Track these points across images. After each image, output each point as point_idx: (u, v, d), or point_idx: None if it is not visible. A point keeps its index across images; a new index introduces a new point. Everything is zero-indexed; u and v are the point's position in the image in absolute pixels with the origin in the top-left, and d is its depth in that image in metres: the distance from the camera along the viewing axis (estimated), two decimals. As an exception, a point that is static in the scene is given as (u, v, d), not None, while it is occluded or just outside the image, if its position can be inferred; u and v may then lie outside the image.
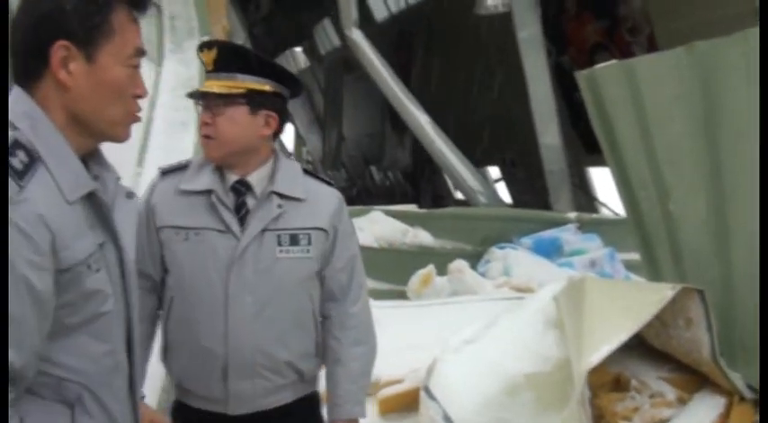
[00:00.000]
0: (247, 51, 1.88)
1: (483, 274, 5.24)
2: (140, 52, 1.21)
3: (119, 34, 1.17)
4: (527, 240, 5.74)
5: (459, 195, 14.01)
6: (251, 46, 7.67)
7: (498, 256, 5.40)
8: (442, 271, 4.88)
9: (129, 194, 1.28)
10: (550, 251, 5.86)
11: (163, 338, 1.85)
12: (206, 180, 1.79)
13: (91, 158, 1.20)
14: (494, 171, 13.57)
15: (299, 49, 19.09)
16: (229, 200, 1.78)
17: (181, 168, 1.85)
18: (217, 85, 1.74)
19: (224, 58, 1.77)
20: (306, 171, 1.91)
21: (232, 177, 1.80)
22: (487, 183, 7.35)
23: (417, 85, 13.09)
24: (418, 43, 14.00)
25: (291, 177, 1.84)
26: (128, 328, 1.25)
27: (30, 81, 1.15)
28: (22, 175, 1.08)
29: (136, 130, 4.11)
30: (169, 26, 4.97)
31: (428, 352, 3.14)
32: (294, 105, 18.28)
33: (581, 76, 3.73)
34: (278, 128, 1.83)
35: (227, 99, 1.74)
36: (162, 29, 5.00)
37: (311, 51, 18.43)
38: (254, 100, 1.76)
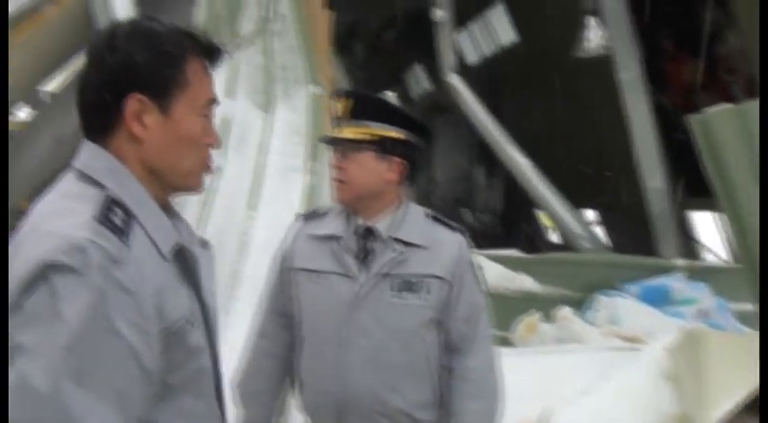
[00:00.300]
0: (379, 100, 1.93)
1: (589, 322, 5.10)
2: (213, 102, 1.19)
3: (192, 86, 1.16)
4: (634, 287, 5.56)
5: (554, 239, 13.75)
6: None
7: (605, 303, 5.25)
8: (546, 317, 4.80)
9: (204, 244, 1.26)
10: (658, 299, 5.66)
11: (296, 375, 1.93)
12: (334, 225, 1.88)
13: (165, 210, 1.18)
14: (590, 214, 13.28)
15: (391, 94, 19.43)
16: (353, 244, 1.84)
17: (320, 214, 1.96)
18: (348, 132, 1.83)
19: (357, 106, 1.85)
20: (433, 216, 1.91)
21: (359, 222, 1.86)
22: (589, 227, 7.18)
23: (509, 127, 13.06)
24: (510, 86, 13.99)
25: (414, 223, 1.86)
26: (217, 381, 1.22)
27: (102, 135, 1.13)
28: (125, 234, 1.06)
29: (248, 174, 4.26)
30: (280, 76, 5.18)
31: (537, 401, 3.08)
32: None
33: (693, 120, 3.64)
34: (406, 174, 1.87)
35: (357, 144, 1.82)
36: (273, 78, 5.20)
37: (403, 95, 18.73)
38: (381, 146, 1.82)
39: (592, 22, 8.24)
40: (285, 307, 1.94)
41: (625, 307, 5.25)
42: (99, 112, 1.12)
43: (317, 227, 1.91)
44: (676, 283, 5.85)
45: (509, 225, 15.76)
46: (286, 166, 4.69)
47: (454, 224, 1.92)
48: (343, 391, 1.82)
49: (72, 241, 0.99)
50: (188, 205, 4.68)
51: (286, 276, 1.93)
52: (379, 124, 1.83)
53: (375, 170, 1.82)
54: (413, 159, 1.88)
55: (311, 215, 1.98)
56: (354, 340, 1.80)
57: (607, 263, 5.93)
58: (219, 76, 5.57)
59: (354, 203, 1.85)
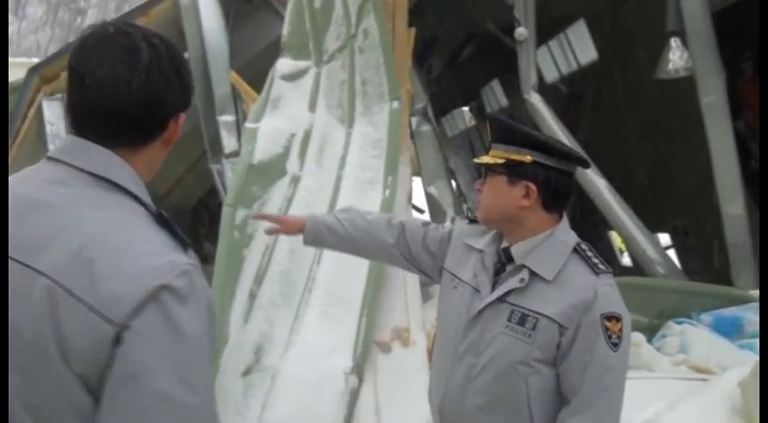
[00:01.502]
0: (508, 124, 1.89)
1: (658, 349, 5.01)
2: None
3: None
4: (707, 317, 5.43)
5: (626, 261, 13.47)
6: (431, 107, 7.97)
7: (675, 331, 5.16)
8: (615, 343, 4.74)
9: None
10: (731, 331, 5.51)
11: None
12: (484, 241, 1.93)
13: None
14: (663, 238, 12.98)
15: (466, 109, 19.44)
16: (490, 262, 1.87)
17: (480, 225, 1.98)
18: (488, 156, 1.86)
19: (495, 131, 1.87)
20: (581, 250, 1.80)
21: (503, 244, 1.89)
22: (665, 253, 7.03)
23: (585, 146, 12.87)
24: (588, 105, 13.81)
25: (550, 253, 1.79)
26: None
27: (139, 146, 1.19)
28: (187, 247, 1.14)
29: (326, 186, 4.40)
30: (361, 91, 5.30)
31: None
32: (457, 162, 18.55)
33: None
34: (544, 199, 1.80)
35: (491, 168, 1.84)
36: (354, 93, 5.34)
37: (478, 110, 18.70)
38: (512, 170, 1.80)
39: (674, 42, 8.07)
40: (417, 250, 2.07)
41: (695, 336, 5.14)
42: (147, 128, 1.19)
43: (474, 236, 1.96)
44: (750, 315, 5.67)
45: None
46: (363, 180, 4.81)
47: (602, 265, 1.77)
48: (444, 404, 1.88)
49: (179, 266, 1.07)
50: (266, 210, 4.86)
51: (434, 256, 2.03)
52: (510, 147, 1.81)
53: (506, 194, 1.81)
54: (548, 183, 1.81)
55: (474, 221, 2.01)
56: (465, 356, 1.83)
57: (681, 290, 5.79)
58: (303, 90, 5.78)
59: (490, 225, 1.89)
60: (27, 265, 1.06)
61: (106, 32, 1.17)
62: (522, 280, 1.78)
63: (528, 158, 1.79)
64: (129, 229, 1.11)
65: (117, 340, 1.02)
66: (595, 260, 1.78)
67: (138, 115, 1.16)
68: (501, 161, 1.81)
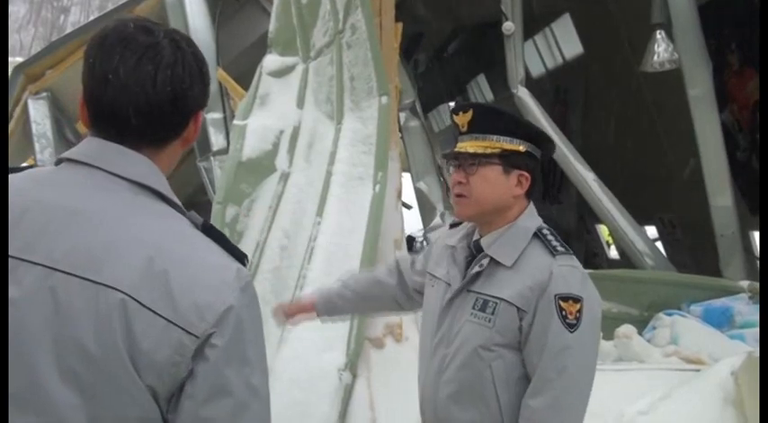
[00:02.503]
0: (502, 112, 1.88)
1: (649, 341, 5.05)
2: None
3: None
4: (697, 308, 5.47)
5: (612, 254, 13.54)
6: (419, 101, 7.99)
7: (666, 322, 5.19)
8: (606, 335, 4.75)
9: None
10: (721, 321, 5.56)
11: None
12: (458, 237, 1.93)
13: None
14: (650, 230, 13.05)
15: (452, 104, 19.48)
16: (461, 256, 1.87)
17: (456, 224, 2.01)
18: (471, 146, 1.82)
19: (478, 119, 1.83)
20: (541, 234, 1.79)
21: (475, 237, 1.88)
22: (654, 245, 7.07)
23: (571, 139, 12.96)
24: (574, 99, 13.86)
25: (512, 240, 1.79)
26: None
27: (157, 145, 1.17)
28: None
29: (317, 181, 4.37)
30: (349, 87, 5.28)
31: (596, 419, 3.08)
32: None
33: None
34: (529, 187, 1.83)
35: (482, 159, 1.80)
36: (342, 89, 5.32)
37: (464, 105, 18.73)
38: (507, 160, 1.79)
39: (660, 35, 8.10)
40: (410, 279, 2.11)
41: (686, 327, 5.17)
42: (170, 125, 1.18)
43: (451, 236, 1.97)
44: (740, 306, 5.72)
45: (568, 239, 15.60)
46: (353, 176, 4.79)
47: (559, 247, 1.77)
48: (423, 397, 1.92)
49: (244, 277, 1.11)
50: (256, 208, 4.85)
51: (418, 273, 2.07)
52: (504, 137, 1.79)
53: (501, 184, 1.80)
54: (535, 172, 1.84)
55: (454, 224, 2.02)
56: (438, 349, 1.85)
57: (671, 282, 5.83)
58: (291, 87, 5.74)
59: (478, 218, 1.85)
60: (86, 279, 1.03)
61: (127, 30, 1.14)
62: (480, 265, 1.78)
63: (521, 148, 1.80)
64: (191, 241, 1.12)
65: (197, 353, 1.04)
66: (555, 243, 1.77)
67: (162, 113, 1.15)
68: (497, 151, 1.79)
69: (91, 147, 1.14)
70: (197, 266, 1.07)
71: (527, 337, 1.72)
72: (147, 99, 1.12)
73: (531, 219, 1.85)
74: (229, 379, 1.05)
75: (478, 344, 1.76)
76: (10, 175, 1.14)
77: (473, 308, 1.78)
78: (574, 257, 1.78)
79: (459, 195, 1.84)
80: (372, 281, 2.21)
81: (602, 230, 13.76)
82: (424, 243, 12.68)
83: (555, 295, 1.68)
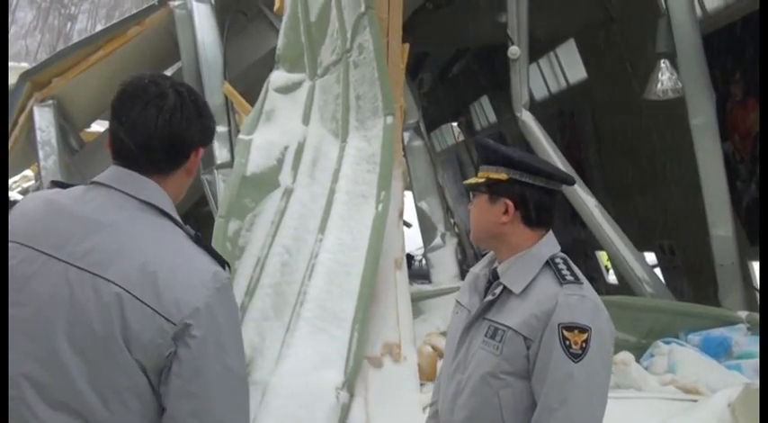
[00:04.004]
0: (485, 144, 1.95)
1: (647, 368, 5.03)
2: None
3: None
4: (695, 337, 5.46)
5: (611, 279, 13.54)
6: (423, 122, 8.02)
7: (664, 350, 5.18)
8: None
9: None
10: (719, 351, 5.55)
11: None
12: (481, 265, 1.99)
13: None
14: (649, 257, 13.06)
15: (455, 124, 19.54)
16: (482, 284, 1.93)
17: (485, 253, 2.06)
18: (473, 178, 1.94)
19: (479, 152, 1.95)
20: (553, 263, 1.81)
21: (495, 264, 1.93)
22: (653, 272, 7.07)
23: (575, 165, 13.01)
24: (576, 122, 13.93)
25: (523, 268, 1.82)
26: None
27: (159, 174, 1.47)
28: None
29: (320, 198, 4.38)
30: (355, 105, 5.31)
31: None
32: (444, 178, 18.61)
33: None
34: (523, 214, 1.84)
35: (474, 188, 1.92)
36: (348, 107, 5.34)
37: (467, 126, 18.80)
38: (492, 188, 1.87)
39: (664, 64, 8.15)
40: None
41: (683, 356, 5.16)
42: (173, 153, 1.48)
43: (479, 264, 2.03)
44: (738, 336, 5.71)
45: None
46: (356, 194, 4.80)
47: (568, 276, 1.77)
48: (441, 419, 1.95)
49: (220, 278, 1.42)
50: (258, 223, 4.85)
51: None
52: (489, 167, 1.88)
53: (488, 212, 1.87)
54: (525, 199, 1.84)
55: (484, 253, 2.08)
56: (455, 375, 1.89)
57: (670, 310, 5.82)
58: (297, 103, 5.76)
59: (482, 245, 2.00)
60: (95, 274, 1.35)
61: (141, 82, 1.48)
62: (493, 294, 1.82)
63: (503, 176, 1.85)
64: (179, 249, 1.42)
65: (175, 337, 1.34)
66: (565, 272, 1.78)
67: (163, 148, 1.46)
68: (482, 180, 1.88)
69: (112, 173, 1.47)
70: (181, 270, 1.37)
71: (533, 365, 1.73)
72: (150, 136, 1.44)
73: (547, 247, 1.86)
74: (208, 362, 1.35)
75: (487, 371, 1.78)
76: (57, 191, 1.49)
77: (485, 335, 1.80)
78: (585, 287, 1.77)
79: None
80: None
81: (602, 256, 13.77)
82: (423, 262, 12.67)
83: (558, 324, 1.69)
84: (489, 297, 1.84)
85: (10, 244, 1.40)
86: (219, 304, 1.38)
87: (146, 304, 1.32)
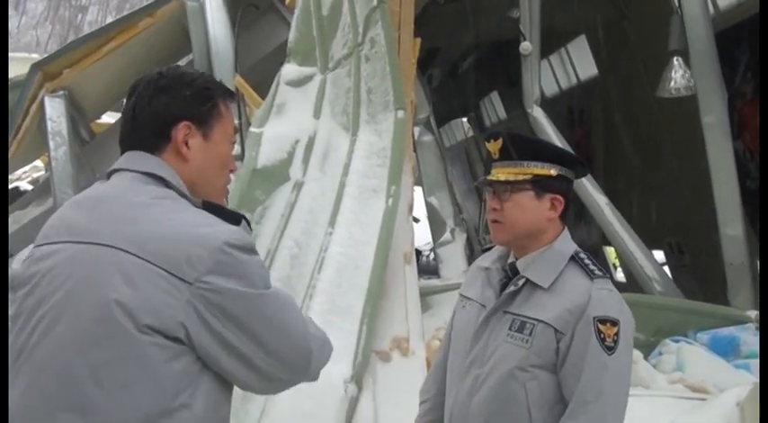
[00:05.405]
0: (533, 139, 1.94)
1: (655, 366, 5.03)
2: (237, 131, 1.66)
3: (225, 117, 1.52)
4: (704, 336, 5.45)
5: (619, 277, 13.51)
6: (433, 117, 8.01)
7: (672, 349, 5.18)
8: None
9: None
10: (727, 350, 5.54)
11: None
12: (492, 258, 1.96)
13: None
14: (657, 255, 13.02)
15: (464, 120, 19.50)
16: (495, 278, 1.90)
17: (491, 248, 2.03)
18: (503, 173, 1.86)
19: (509, 146, 1.88)
20: (578, 258, 1.83)
21: (510, 259, 1.91)
22: (662, 270, 7.04)
23: (592, 163, 12.97)
24: (587, 119, 13.89)
25: (548, 262, 1.83)
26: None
27: (153, 153, 1.46)
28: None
29: (330, 192, 4.37)
30: (366, 99, 5.31)
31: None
32: (453, 173, 18.61)
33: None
34: (563, 210, 1.87)
35: (514, 185, 1.84)
36: (359, 101, 5.34)
37: (476, 122, 18.76)
38: (539, 184, 1.84)
39: (677, 61, 8.11)
40: None
41: (692, 355, 5.15)
42: (154, 135, 1.46)
43: (484, 258, 2.00)
44: (747, 336, 5.70)
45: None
46: (366, 188, 4.81)
47: (597, 271, 1.80)
48: (452, 414, 1.90)
49: (230, 232, 1.36)
50: (268, 215, 4.86)
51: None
52: (534, 163, 1.84)
53: (534, 209, 1.84)
54: (568, 195, 1.87)
55: (488, 248, 2.05)
56: (470, 369, 1.86)
57: (679, 308, 5.81)
58: (308, 97, 5.76)
59: (514, 243, 1.89)
60: (103, 244, 1.33)
61: (152, 76, 1.49)
62: (515, 285, 1.82)
63: (553, 172, 1.84)
64: (183, 213, 1.39)
65: (194, 294, 1.29)
66: (592, 267, 1.80)
67: (146, 125, 1.46)
68: (528, 177, 1.83)
69: (122, 157, 1.50)
70: (190, 229, 1.34)
71: (564, 359, 1.73)
72: (134, 117, 1.48)
73: (567, 243, 1.88)
74: (237, 307, 1.31)
75: (515, 364, 1.77)
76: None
77: (510, 329, 1.79)
78: (610, 281, 1.80)
79: (494, 221, 1.88)
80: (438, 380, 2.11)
81: (610, 253, 13.74)
82: (431, 257, 12.67)
83: (594, 318, 1.71)
84: (512, 288, 1.82)
85: (33, 249, 1.43)
86: (229, 255, 1.33)
87: (156, 265, 1.29)
